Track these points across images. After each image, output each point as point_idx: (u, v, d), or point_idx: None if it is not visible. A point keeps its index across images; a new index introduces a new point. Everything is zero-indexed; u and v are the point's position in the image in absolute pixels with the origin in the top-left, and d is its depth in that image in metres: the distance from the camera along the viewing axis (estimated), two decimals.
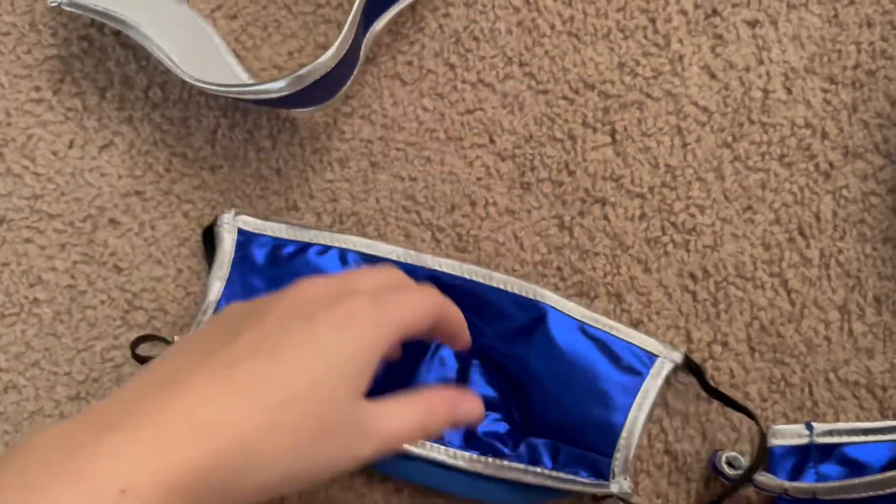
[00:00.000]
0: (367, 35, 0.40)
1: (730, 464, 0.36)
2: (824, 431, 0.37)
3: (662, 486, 0.38)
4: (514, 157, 0.41)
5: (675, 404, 0.38)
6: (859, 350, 0.38)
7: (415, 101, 0.42)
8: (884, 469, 0.36)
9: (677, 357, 0.37)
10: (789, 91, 0.41)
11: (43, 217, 0.42)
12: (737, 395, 0.38)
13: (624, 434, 0.35)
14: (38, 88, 0.43)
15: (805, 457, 0.37)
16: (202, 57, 0.41)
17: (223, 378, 0.25)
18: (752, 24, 0.41)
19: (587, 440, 0.35)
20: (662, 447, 0.38)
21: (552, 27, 0.42)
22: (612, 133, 0.41)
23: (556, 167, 0.41)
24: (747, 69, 0.41)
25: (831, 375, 0.38)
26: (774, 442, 0.37)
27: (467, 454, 0.36)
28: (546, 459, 0.35)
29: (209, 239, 0.40)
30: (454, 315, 0.32)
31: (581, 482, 0.35)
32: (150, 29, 0.40)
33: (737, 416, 0.38)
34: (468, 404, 0.30)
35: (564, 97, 0.41)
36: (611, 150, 0.41)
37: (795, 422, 0.38)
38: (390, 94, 0.42)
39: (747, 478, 0.34)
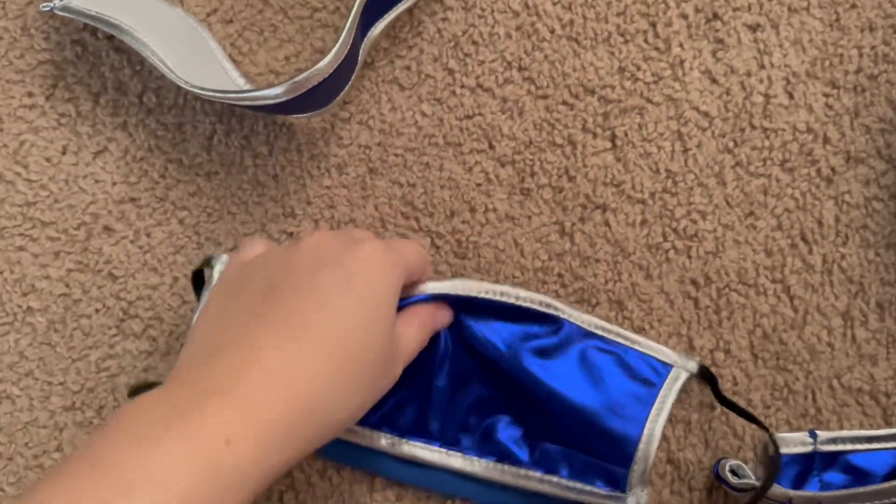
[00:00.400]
0: (365, 40, 0.40)
1: (733, 472, 0.35)
2: (828, 439, 0.36)
3: (665, 496, 0.37)
4: (514, 163, 0.41)
5: (677, 412, 0.38)
6: (863, 357, 0.38)
7: (413, 106, 0.41)
8: (888, 477, 0.35)
9: (692, 367, 0.36)
10: (791, 96, 0.40)
11: (36, 224, 0.41)
12: (740, 402, 0.38)
13: (641, 445, 0.35)
14: (30, 94, 0.42)
15: (809, 465, 0.36)
16: (198, 62, 0.41)
17: (287, 335, 0.28)
18: (754, 28, 0.41)
19: (602, 452, 0.35)
20: (665, 456, 0.38)
21: (552, 31, 0.42)
22: (613, 138, 0.40)
23: (556, 173, 0.40)
24: (748, 74, 0.41)
25: (835, 382, 0.38)
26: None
27: (484, 461, 0.35)
28: (562, 468, 0.35)
29: (199, 280, 0.38)
30: (430, 269, 0.36)
31: (598, 493, 0.35)
32: (144, 34, 0.39)
33: (740, 423, 0.38)
34: (445, 315, 0.35)
35: (564, 102, 0.41)
36: (611, 156, 0.40)
37: (799, 429, 0.37)
38: (388, 100, 0.42)
39: (760, 495, 0.34)
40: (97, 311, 0.41)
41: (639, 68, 0.41)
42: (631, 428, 0.35)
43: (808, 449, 0.36)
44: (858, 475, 0.36)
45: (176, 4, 0.42)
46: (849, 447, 0.36)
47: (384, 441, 0.37)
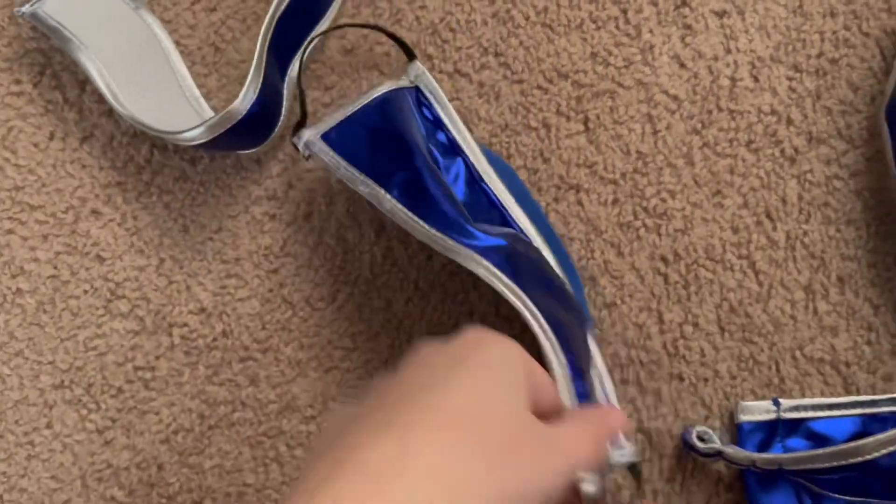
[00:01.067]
0: (287, 80, 0.41)
1: (700, 438, 0.37)
2: (791, 407, 0.38)
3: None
4: (491, 145, 0.42)
5: (647, 384, 0.39)
6: (824, 328, 0.40)
7: None
8: (847, 442, 0.37)
9: None
10: (756, 79, 0.42)
11: (25, 208, 0.42)
12: (707, 374, 0.39)
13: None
14: (18, 81, 0.43)
15: (773, 432, 0.38)
16: (149, 78, 0.41)
17: (385, 435, 0.23)
18: (720, 14, 0.42)
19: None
20: (636, 426, 0.39)
21: (526, 18, 0.43)
22: (585, 121, 0.42)
23: (531, 155, 0.42)
24: (715, 58, 0.42)
25: (797, 353, 0.39)
26: (743, 418, 0.38)
27: None
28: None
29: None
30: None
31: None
32: (97, 51, 0.40)
33: (708, 394, 0.39)
34: (619, 419, 0.30)
35: (539, 87, 0.42)
36: (584, 138, 0.42)
37: (763, 398, 0.39)
38: (369, 85, 0.43)
39: None
40: (85, 292, 0.42)
41: (610, 53, 0.42)
42: None
43: (772, 416, 0.38)
44: (820, 441, 0.38)
45: (143, 8, 0.42)
46: (810, 414, 0.38)
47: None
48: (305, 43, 0.41)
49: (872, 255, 0.40)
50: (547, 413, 0.28)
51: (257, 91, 0.37)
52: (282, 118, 0.41)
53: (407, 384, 0.26)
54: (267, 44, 0.38)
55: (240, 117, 0.37)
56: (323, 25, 0.42)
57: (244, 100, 0.37)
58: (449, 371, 0.25)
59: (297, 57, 0.42)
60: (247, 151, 0.42)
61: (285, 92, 0.41)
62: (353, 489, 0.22)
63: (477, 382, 0.25)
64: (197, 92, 0.42)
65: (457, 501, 0.22)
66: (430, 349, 0.28)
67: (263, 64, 0.38)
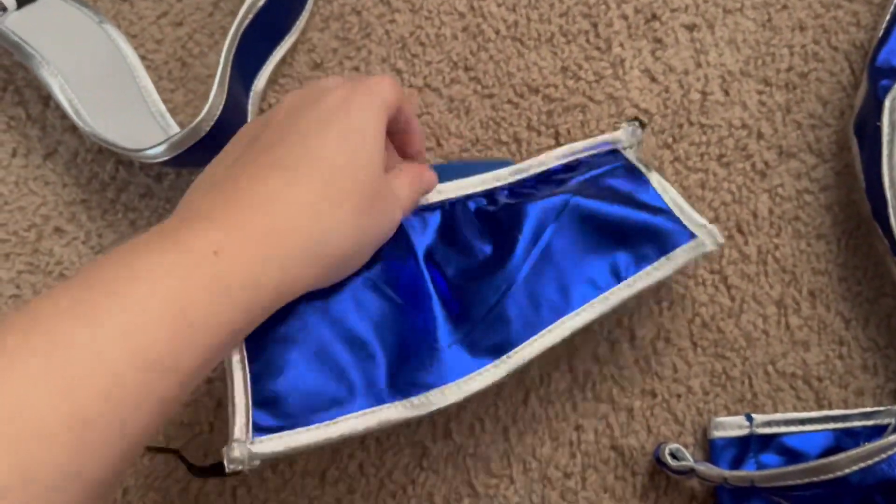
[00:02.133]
0: (251, 95, 0.41)
1: (673, 455, 0.36)
2: (763, 422, 0.38)
3: (609, 481, 0.39)
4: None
5: (620, 400, 0.39)
6: (796, 343, 0.39)
7: None
8: (820, 457, 0.37)
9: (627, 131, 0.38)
10: (726, 93, 0.42)
11: None
12: (680, 390, 0.39)
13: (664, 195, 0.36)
14: None
15: (746, 447, 0.38)
16: (112, 94, 0.41)
17: (269, 171, 0.28)
18: (691, 28, 0.42)
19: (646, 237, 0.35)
20: (609, 443, 0.39)
21: (497, 32, 0.43)
22: (556, 136, 0.42)
23: None
24: (686, 72, 0.42)
25: (770, 368, 0.39)
26: (716, 434, 0.38)
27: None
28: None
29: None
30: (410, 104, 0.35)
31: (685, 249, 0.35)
32: (59, 66, 0.39)
33: (680, 410, 0.39)
34: (432, 177, 0.35)
35: (509, 101, 0.42)
36: None
37: (736, 413, 0.39)
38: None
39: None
40: None
41: (581, 67, 0.42)
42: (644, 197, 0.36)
43: (745, 432, 0.38)
44: (793, 456, 0.38)
45: (107, 22, 0.42)
46: (783, 429, 0.38)
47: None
48: (271, 57, 0.41)
49: (843, 269, 0.40)
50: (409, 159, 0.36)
51: (221, 107, 0.37)
52: None
53: (285, 131, 0.30)
54: (231, 59, 0.38)
55: (203, 134, 0.36)
56: (289, 40, 0.42)
57: (208, 116, 0.36)
58: (322, 128, 0.30)
59: (262, 72, 0.41)
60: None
61: (250, 107, 0.41)
62: (245, 215, 0.27)
63: (345, 142, 0.30)
64: (163, 107, 0.41)
65: (326, 232, 0.28)
66: (300, 101, 0.31)
67: (227, 79, 0.37)
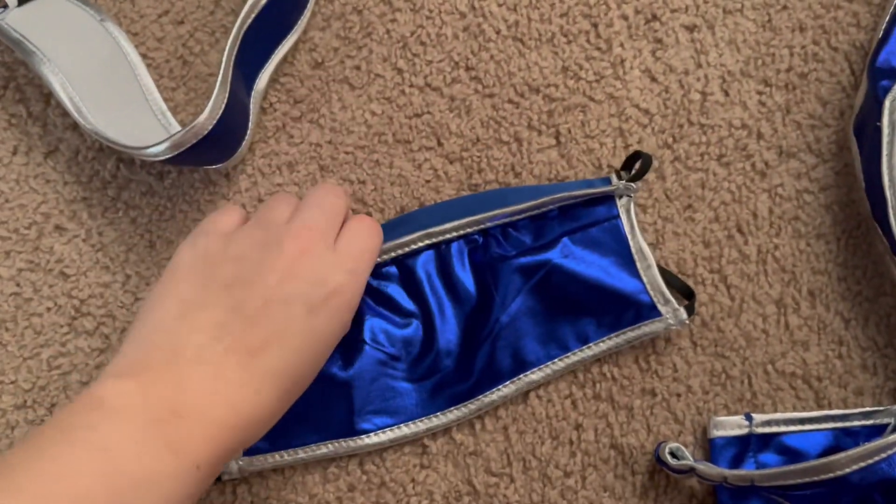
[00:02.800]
0: (253, 93, 0.41)
1: (673, 454, 0.37)
2: (763, 422, 0.38)
3: (609, 480, 0.39)
4: (462, 160, 0.42)
5: (620, 399, 0.39)
6: (795, 342, 0.39)
7: (363, 105, 0.42)
8: (820, 457, 0.37)
9: (621, 182, 0.39)
10: (726, 93, 0.42)
11: None
12: (680, 389, 0.39)
13: (639, 266, 0.39)
14: None
15: (745, 447, 0.38)
16: (114, 92, 0.41)
17: (247, 369, 0.30)
18: (691, 28, 0.43)
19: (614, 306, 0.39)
20: (609, 442, 0.39)
21: (497, 32, 0.43)
22: (557, 135, 0.42)
23: (502, 169, 0.42)
24: (686, 72, 0.42)
25: (769, 367, 0.39)
26: (716, 433, 0.38)
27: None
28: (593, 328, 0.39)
29: None
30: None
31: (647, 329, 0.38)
32: (60, 64, 0.39)
33: (680, 409, 0.39)
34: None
35: (510, 101, 0.42)
36: (555, 152, 0.42)
37: (736, 413, 0.39)
38: (339, 99, 0.42)
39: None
40: (48, 309, 0.41)
41: (581, 67, 0.42)
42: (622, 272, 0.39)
43: (745, 431, 0.38)
44: (792, 455, 0.38)
45: (108, 20, 0.42)
46: (783, 429, 0.38)
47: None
48: (273, 56, 0.41)
49: (843, 269, 0.40)
50: None
51: (223, 106, 0.37)
52: (249, 132, 0.41)
53: (260, 319, 0.31)
54: (233, 58, 0.38)
55: (205, 133, 0.36)
56: (291, 39, 0.42)
57: (210, 115, 0.36)
58: (298, 329, 0.32)
59: (263, 70, 0.41)
60: (214, 166, 0.41)
61: (252, 106, 0.41)
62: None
63: (313, 353, 0.33)
64: (164, 105, 0.41)
65: (253, 430, 0.31)
66: (302, 248, 0.33)
67: (230, 78, 0.37)
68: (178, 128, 0.41)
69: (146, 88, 0.42)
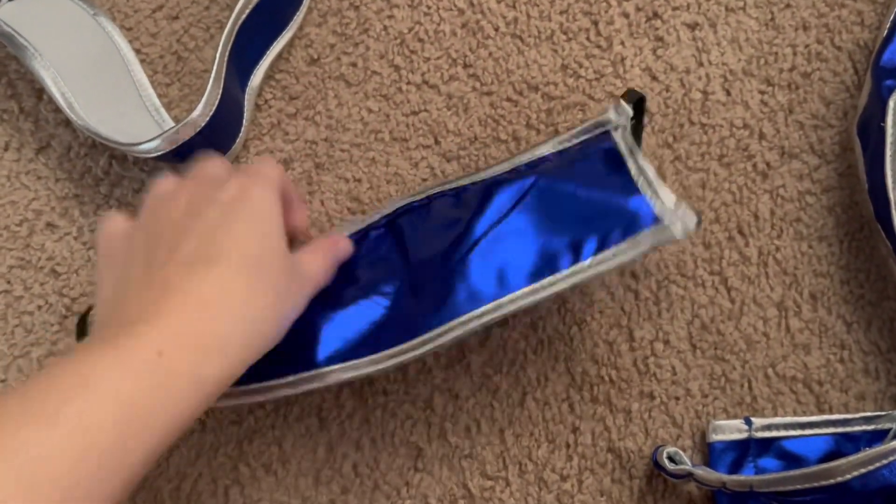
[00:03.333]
0: (248, 90, 0.40)
1: (671, 459, 0.36)
2: (763, 426, 0.37)
3: (606, 484, 0.38)
4: (459, 158, 0.41)
5: (617, 402, 0.39)
6: (796, 346, 0.39)
7: (359, 102, 0.42)
8: (820, 462, 0.36)
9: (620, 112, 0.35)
10: (728, 93, 0.41)
11: None
12: (679, 392, 0.39)
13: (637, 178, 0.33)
14: None
15: (745, 451, 0.37)
16: (106, 87, 0.40)
17: (191, 267, 0.29)
18: (692, 27, 0.42)
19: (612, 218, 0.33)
20: (606, 445, 0.38)
21: (496, 29, 0.42)
22: (556, 134, 0.41)
23: None
24: (687, 71, 0.42)
25: (770, 371, 0.39)
26: (715, 437, 0.37)
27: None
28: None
29: (82, 326, 0.36)
30: (288, 181, 0.36)
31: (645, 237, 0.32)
32: (52, 58, 0.39)
33: (679, 413, 0.39)
34: (346, 245, 0.36)
35: (508, 99, 0.42)
36: None
37: (735, 417, 0.38)
38: (335, 96, 0.42)
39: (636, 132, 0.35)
40: (39, 307, 0.40)
41: (581, 66, 0.42)
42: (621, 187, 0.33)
43: (744, 436, 0.37)
44: (792, 460, 0.37)
45: (102, 15, 0.41)
46: (783, 433, 0.37)
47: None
48: (268, 52, 0.40)
49: (845, 272, 0.39)
50: (294, 234, 0.35)
51: (217, 102, 0.36)
52: (243, 129, 0.40)
53: (190, 228, 0.30)
54: (227, 53, 0.37)
55: (199, 129, 0.36)
56: (286, 35, 0.41)
57: (203, 111, 0.36)
58: (229, 220, 0.30)
59: (258, 67, 0.40)
60: None
61: (247, 103, 0.40)
62: (182, 314, 0.28)
63: (255, 231, 0.31)
64: (157, 101, 0.41)
65: (257, 321, 0.30)
66: (193, 193, 0.32)
67: (224, 74, 0.37)
68: (172, 124, 0.40)
69: (139, 84, 0.41)
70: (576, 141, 0.36)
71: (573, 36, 0.42)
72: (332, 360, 0.33)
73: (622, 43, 0.42)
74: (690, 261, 0.40)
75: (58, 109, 0.42)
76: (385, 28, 0.42)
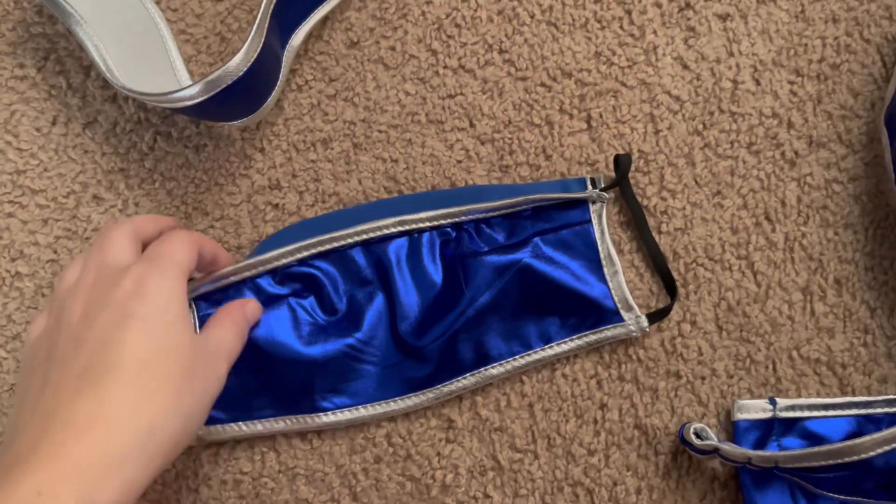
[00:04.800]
0: (287, 48, 0.41)
1: (697, 435, 0.37)
2: (787, 406, 0.38)
3: (632, 459, 0.39)
4: (494, 141, 0.42)
5: (644, 380, 0.40)
6: (821, 329, 0.40)
7: (397, 84, 0.43)
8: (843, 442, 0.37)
9: (596, 191, 0.40)
10: (758, 82, 0.42)
11: (26, 192, 0.42)
12: (705, 372, 0.40)
13: (606, 271, 0.40)
14: (22, 65, 0.43)
15: (768, 430, 0.38)
16: (144, 58, 0.41)
17: (84, 392, 0.28)
18: (724, 17, 0.43)
19: (580, 308, 0.40)
20: (633, 422, 0.39)
21: (532, 16, 0.43)
22: (588, 119, 0.42)
23: (533, 151, 0.42)
24: (718, 61, 0.42)
25: (794, 353, 0.40)
26: (739, 416, 0.38)
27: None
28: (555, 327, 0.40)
29: None
30: (206, 241, 0.36)
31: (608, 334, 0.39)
32: (96, 26, 0.40)
33: (704, 392, 0.39)
34: (254, 308, 0.37)
35: (542, 84, 0.43)
36: (586, 136, 0.42)
37: (760, 397, 0.39)
38: (373, 78, 0.43)
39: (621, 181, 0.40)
40: None
41: (614, 53, 0.43)
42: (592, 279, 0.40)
43: (768, 415, 0.38)
44: (815, 440, 0.38)
45: None
46: (806, 414, 0.38)
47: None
48: (312, 14, 0.41)
49: (870, 259, 0.40)
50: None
51: (258, 51, 0.36)
52: (278, 85, 0.41)
53: (82, 337, 0.30)
54: (272, 6, 0.38)
55: (239, 74, 0.36)
56: (331, 3, 0.42)
57: (244, 58, 0.36)
58: (121, 323, 0.30)
59: (300, 28, 0.41)
60: (238, 122, 0.40)
61: (285, 59, 0.41)
62: (63, 446, 0.27)
63: (148, 332, 0.30)
64: (186, 76, 0.42)
65: (152, 429, 0.28)
66: (86, 291, 0.31)
67: (266, 26, 0.37)
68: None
69: (175, 68, 0.42)
70: (554, 202, 0.40)
71: (607, 24, 0.43)
72: (325, 409, 0.38)
73: (654, 32, 0.43)
74: (718, 245, 0.41)
75: (105, 86, 0.43)
76: (423, 13, 0.43)
